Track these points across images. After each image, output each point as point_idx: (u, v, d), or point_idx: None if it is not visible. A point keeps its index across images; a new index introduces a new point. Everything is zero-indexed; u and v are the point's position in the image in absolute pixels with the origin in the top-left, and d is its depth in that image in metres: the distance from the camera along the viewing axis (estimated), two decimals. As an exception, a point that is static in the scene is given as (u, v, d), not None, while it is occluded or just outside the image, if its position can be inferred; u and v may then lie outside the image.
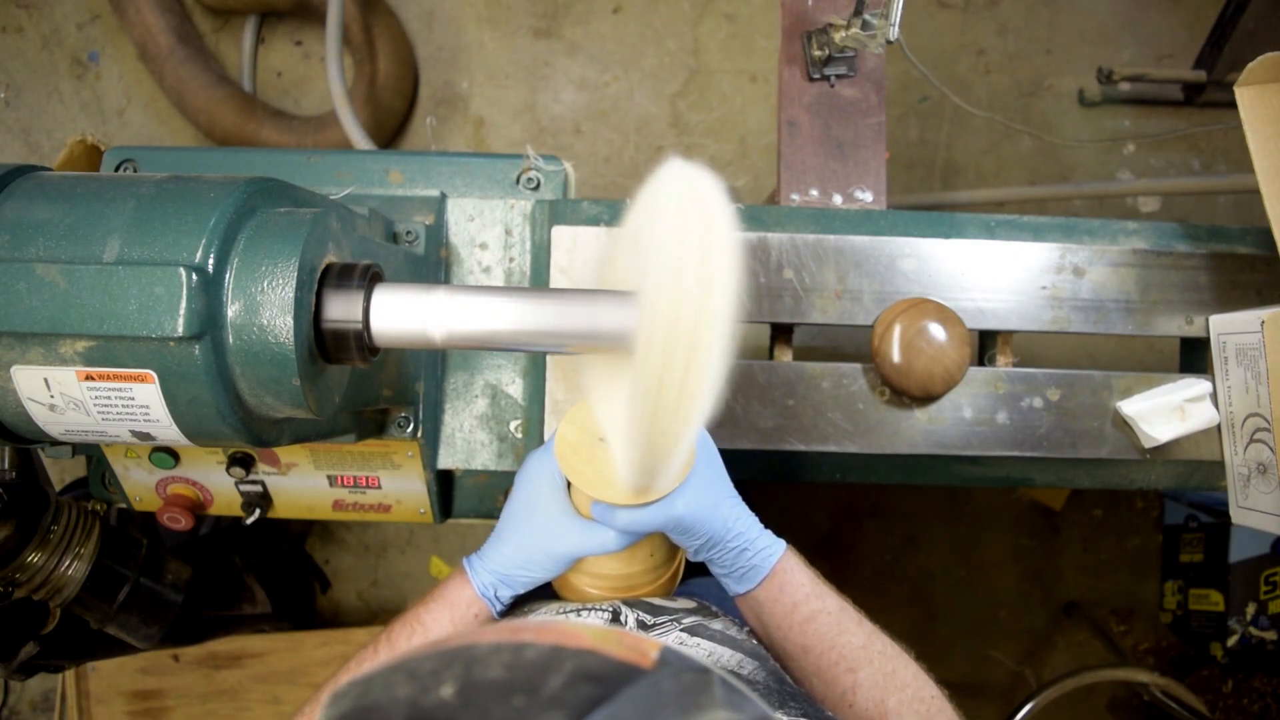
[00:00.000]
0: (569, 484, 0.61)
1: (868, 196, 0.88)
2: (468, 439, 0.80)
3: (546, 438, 0.78)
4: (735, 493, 0.61)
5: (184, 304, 0.45)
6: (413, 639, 0.60)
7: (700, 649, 0.56)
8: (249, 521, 0.80)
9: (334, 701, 0.31)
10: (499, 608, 0.63)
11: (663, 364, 0.44)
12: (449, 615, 0.61)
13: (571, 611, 0.61)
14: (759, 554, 0.60)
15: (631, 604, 0.62)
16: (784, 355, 0.80)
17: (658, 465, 0.50)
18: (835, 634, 0.59)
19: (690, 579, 0.73)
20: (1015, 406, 0.78)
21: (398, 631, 0.61)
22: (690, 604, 0.64)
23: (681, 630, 0.58)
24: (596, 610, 0.61)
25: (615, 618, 0.60)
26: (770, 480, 0.84)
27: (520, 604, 0.68)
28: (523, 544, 0.61)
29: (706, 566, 0.64)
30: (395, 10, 1.82)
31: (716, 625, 0.61)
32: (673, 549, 0.67)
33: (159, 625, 0.85)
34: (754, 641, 0.62)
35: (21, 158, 1.88)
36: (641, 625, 0.59)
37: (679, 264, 0.43)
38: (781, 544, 0.62)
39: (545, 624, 0.35)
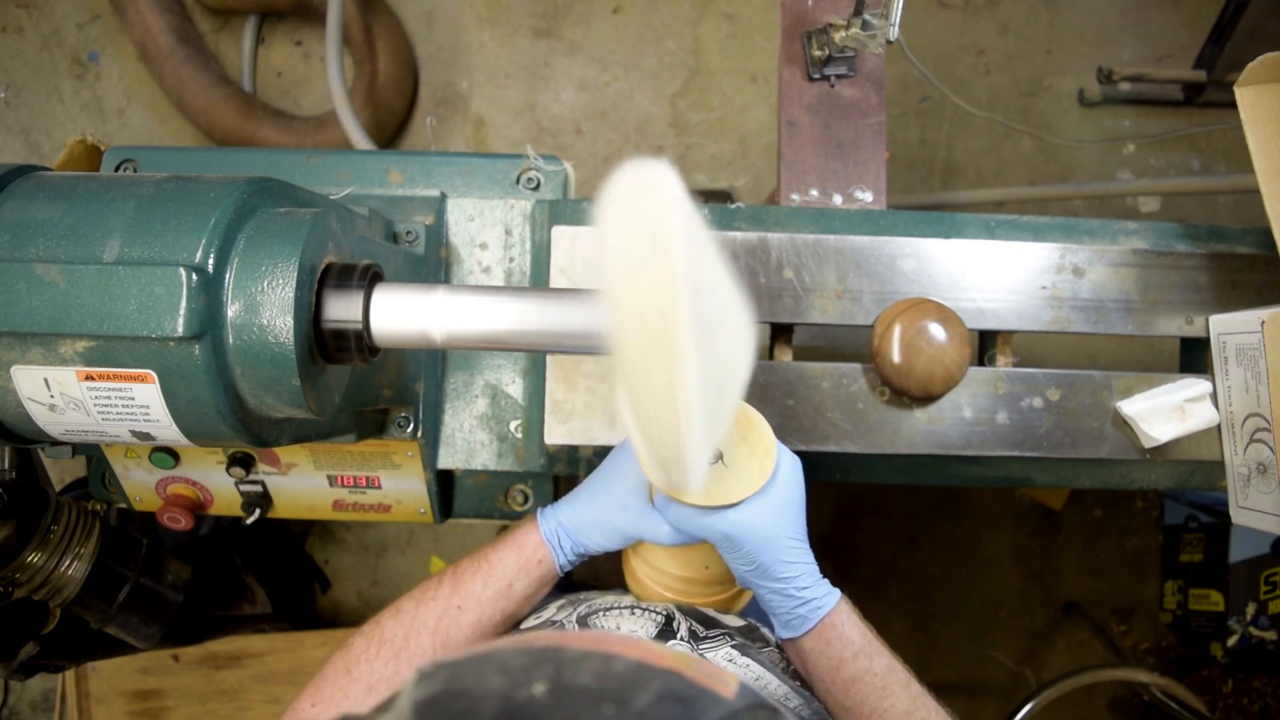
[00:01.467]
0: None
1: (868, 196, 0.88)
2: (468, 439, 0.80)
3: (547, 439, 0.78)
4: (803, 536, 0.60)
5: (184, 304, 0.45)
6: (477, 576, 0.62)
7: (749, 670, 0.56)
8: (249, 521, 0.80)
9: (422, 681, 0.32)
10: (563, 559, 0.63)
11: (639, 358, 0.43)
12: (516, 557, 0.62)
13: (626, 608, 0.61)
14: (807, 604, 0.59)
15: (686, 611, 0.62)
16: (784, 355, 0.80)
17: (673, 461, 0.49)
18: (879, 698, 0.58)
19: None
20: (1015, 406, 0.78)
21: (465, 568, 0.62)
22: (742, 623, 0.64)
23: (732, 647, 0.58)
24: (650, 611, 0.61)
25: (668, 621, 0.59)
26: (770, 480, 0.84)
27: (579, 588, 0.68)
28: (591, 507, 0.62)
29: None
30: (395, 10, 1.82)
31: (765, 655, 0.60)
32: (730, 573, 0.67)
33: (159, 625, 0.85)
34: (799, 678, 0.61)
35: (21, 158, 1.88)
36: (693, 635, 0.58)
37: (634, 258, 0.42)
38: (835, 597, 0.60)
39: (628, 639, 0.36)
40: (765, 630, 0.66)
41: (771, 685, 0.55)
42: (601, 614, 0.61)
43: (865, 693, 0.58)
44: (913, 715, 0.57)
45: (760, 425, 0.60)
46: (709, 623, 0.61)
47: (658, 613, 0.61)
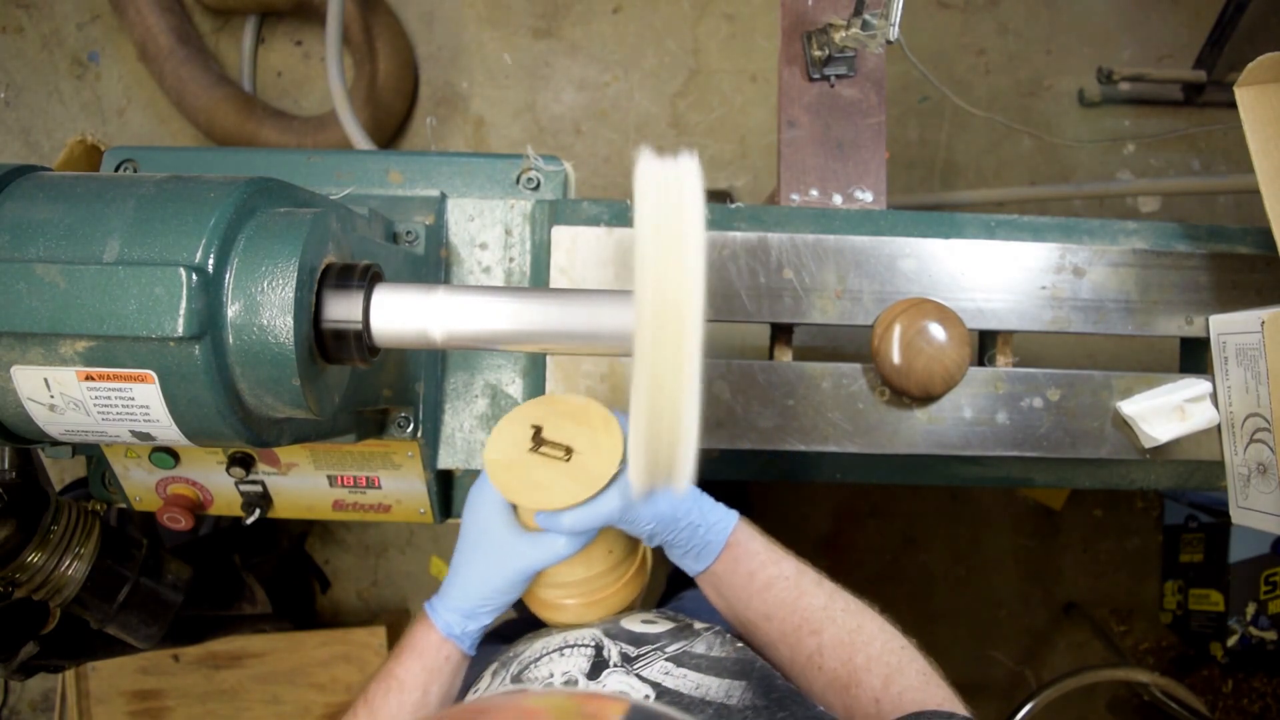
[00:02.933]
0: (514, 505, 0.62)
1: (868, 196, 0.88)
2: (468, 439, 0.80)
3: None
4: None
5: (184, 304, 0.45)
6: (389, 697, 0.61)
7: (687, 680, 0.56)
8: (249, 521, 0.80)
9: None
10: (468, 643, 0.63)
11: (658, 359, 0.45)
12: (420, 664, 0.61)
13: (555, 651, 0.61)
14: (711, 529, 0.61)
15: (614, 635, 0.62)
16: (784, 355, 0.80)
17: (672, 456, 0.49)
18: (795, 598, 0.59)
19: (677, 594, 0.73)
20: (1015, 406, 0.78)
21: (374, 691, 0.61)
22: (670, 624, 0.64)
23: (666, 660, 0.58)
24: (579, 646, 0.61)
25: (599, 651, 0.60)
26: (770, 480, 0.84)
27: (507, 635, 0.67)
28: (479, 572, 0.61)
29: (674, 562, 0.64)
30: (395, 10, 1.82)
31: (700, 647, 0.60)
32: (632, 542, 0.68)
33: (159, 625, 0.85)
34: (738, 650, 0.61)
35: (21, 158, 1.88)
36: (625, 658, 0.58)
37: (661, 262, 0.45)
38: (733, 516, 0.62)
39: (505, 706, 0.35)
40: (696, 622, 0.66)
41: (712, 689, 0.55)
42: (532, 665, 0.60)
43: (781, 596, 0.60)
44: (830, 608, 0.59)
45: (587, 403, 0.61)
46: (639, 640, 0.61)
47: (586, 645, 0.60)
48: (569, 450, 0.59)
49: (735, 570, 0.61)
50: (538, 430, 0.60)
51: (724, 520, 0.62)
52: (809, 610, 0.59)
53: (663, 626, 0.63)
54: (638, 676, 0.56)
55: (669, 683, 0.56)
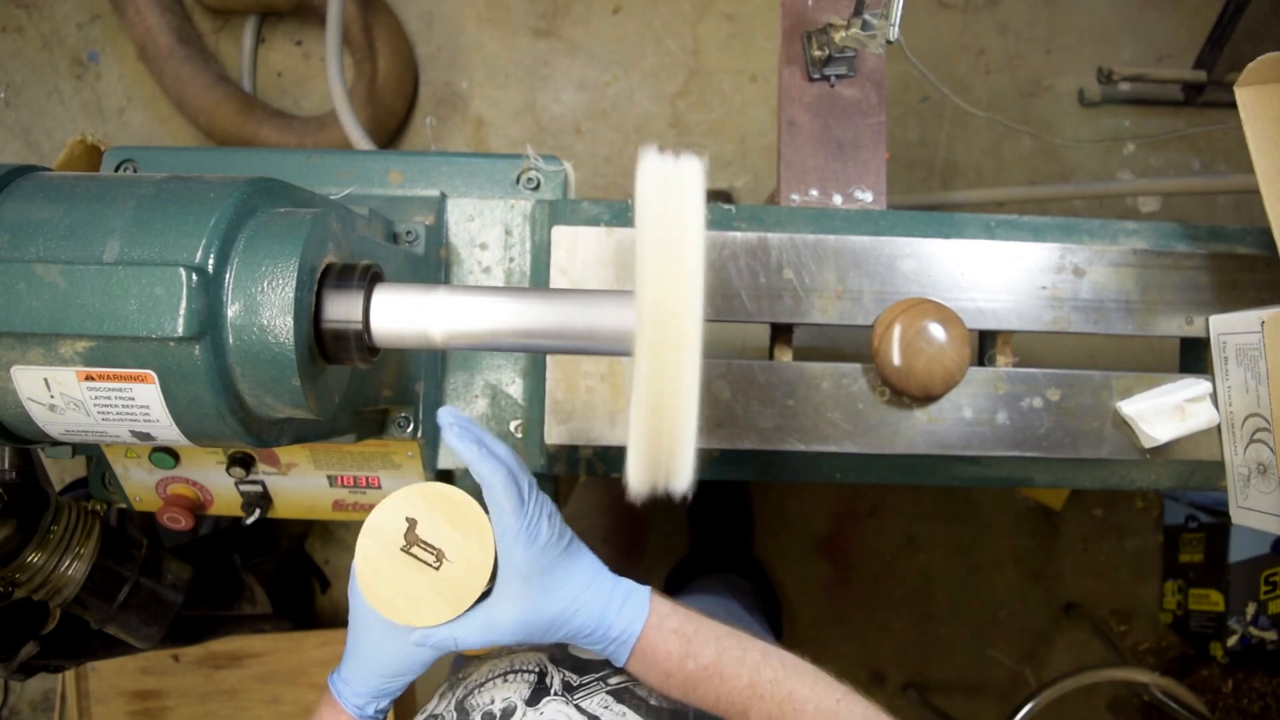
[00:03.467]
0: None
1: (868, 196, 0.88)
2: (468, 439, 0.80)
3: (547, 439, 0.77)
4: (578, 564, 0.56)
5: (184, 304, 0.45)
6: None
7: (626, 719, 0.56)
8: (249, 521, 0.80)
9: None
10: (384, 717, 0.62)
11: (659, 359, 0.46)
12: None
13: (499, 676, 0.61)
14: (614, 642, 0.55)
15: (559, 661, 0.61)
16: (784, 355, 0.80)
17: (672, 456, 0.49)
18: (717, 687, 0.56)
19: None
20: (1015, 406, 0.78)
21: None
22: None
23: (607, 693, 0.58)
24: (523, 672, 0.60)
25: (541, 678, 0.60)
26: (770, 480, 0.84)
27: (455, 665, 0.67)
28: (377, 660, 0.59)
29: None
30: (395, 10, 1.82)
31: (643, 689, 0.60)
32: None
33: (159, 625, 0.85)
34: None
35: (21, 158, 1.88)
36: (567, 687, 0.58)
37: (662, 262, 0.45)
38: (639, 620, 0.55)
39: None
40: None
41: None
42: (476, 691, 0.60)
43: (703, 689, 0.56)
44: (756, 684, 0.55)
45: (466, 501, 0.55)
46: (583, 668, 0.60)
47: (530, 671, 0.60)
48: (440, 555, 0.54)
49: (649, 672, 0.57)
50: (412, 525, 0.55)
51: (626, 628, 0.55)
52: (732, 696, 0.55)
53: None
54: (576, 707, 0.57)
55: (607, 718, 0.56)
